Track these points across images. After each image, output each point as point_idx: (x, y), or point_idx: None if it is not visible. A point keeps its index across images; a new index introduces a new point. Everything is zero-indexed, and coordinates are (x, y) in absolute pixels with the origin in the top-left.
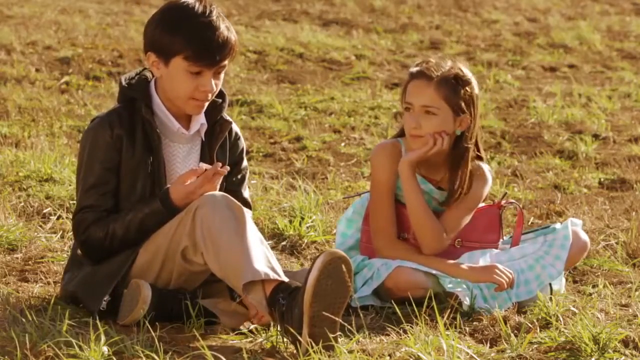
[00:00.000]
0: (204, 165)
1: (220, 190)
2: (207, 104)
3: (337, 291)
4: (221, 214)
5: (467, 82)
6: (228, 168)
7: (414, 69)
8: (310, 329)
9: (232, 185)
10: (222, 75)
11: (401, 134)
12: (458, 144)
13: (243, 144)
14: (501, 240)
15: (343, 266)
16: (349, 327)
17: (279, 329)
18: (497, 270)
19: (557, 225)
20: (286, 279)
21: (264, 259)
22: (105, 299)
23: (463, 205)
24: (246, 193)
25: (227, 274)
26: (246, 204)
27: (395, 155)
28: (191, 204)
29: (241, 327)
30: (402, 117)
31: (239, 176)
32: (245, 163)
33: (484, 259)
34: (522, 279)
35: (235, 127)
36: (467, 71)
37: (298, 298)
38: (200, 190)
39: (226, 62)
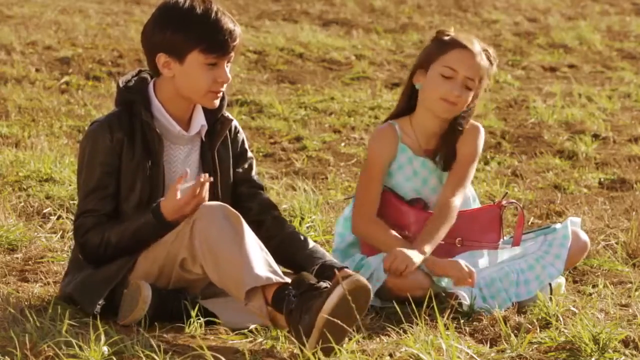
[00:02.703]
0: (187, 185)
1: (229, 181)
2: (221, 95)
3: (352, 316)
4: (218, 224)
5: (494, 61)
6: (211, 178)
7: (457, 38)
8: (318, 340)
9: (243, 175)
10: (230, 65)
11: (396, 115)
12: (459, 116)
13: (243, 135)
14: (502, 240)
15: (364, 295)
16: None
17: (285, 321)
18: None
19: (557, 226)
20: (289, 280)
21: (264, 264)
22: (100, 302)
23: (466, 161)
24: (257, 179)
25: (227, 284)
26: (260, 187)
27: (392, 138)
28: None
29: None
30: (425, 81)
31: (246, 165)
32: (249, 153)
33: (483, 258)
34: (522, 278)
35: (234, 122)
36: (490, 50)
37: (313, 310)
38: (191, 205)
39: (235, 50)
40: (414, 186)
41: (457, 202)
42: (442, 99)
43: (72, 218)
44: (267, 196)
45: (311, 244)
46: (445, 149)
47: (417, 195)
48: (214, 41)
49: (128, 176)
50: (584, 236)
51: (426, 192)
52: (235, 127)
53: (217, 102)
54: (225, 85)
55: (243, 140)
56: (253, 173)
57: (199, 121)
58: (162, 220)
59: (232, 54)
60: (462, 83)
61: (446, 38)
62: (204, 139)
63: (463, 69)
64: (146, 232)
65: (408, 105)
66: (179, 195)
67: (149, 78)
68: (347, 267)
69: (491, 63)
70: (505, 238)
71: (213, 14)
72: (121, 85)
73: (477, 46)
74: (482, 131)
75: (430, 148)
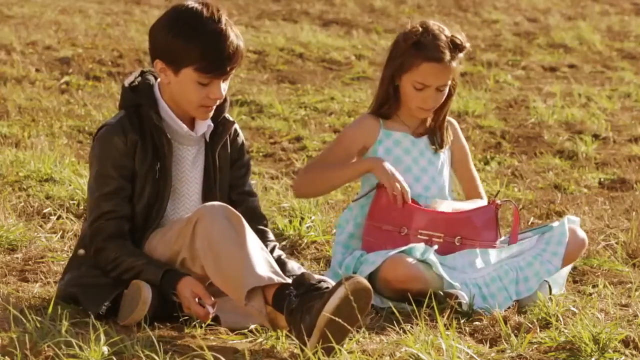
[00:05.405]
0: (210, 308)
1: (225, 185)
2: (215, 107)
3: (353, 316)
4: (220, 225)
5: (464, 48)
6: (213, 314)
7: (425, 47)
8: (318, 339)
9: (235, 180)
10: (229, 80)
11: (378, 109)
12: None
13: (242, 138)
14: (500, 239)
15: (365, 296)
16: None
17: (285, 321)
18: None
19: (555, 224)
20: (290, 281)
21: (266, 265)
22: (105, 304)
23: (465, 157)
24: (249, 186)
25: (228, 284)
26: (253, 195)
27: (371, 127)
28: (192, 216)
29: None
30: (401, 85)
31: (243, 170)
32: (246, 157)
33: (479, 258)
34: (521, 276)
35: (235, 125)
36: (460, 36)
37: (314, 310)
38: (193, 310)
39: (235, 69)
40: (406, 166)
41: (483, 193)
42: (419, 107)
43: (72, 218)
44: (257, 205)
45: (277, 254)
46: (438, 129)
47: (408, 173)
48: (211, 63)
49: (139, 179)
50: (582, 233)
51: (416, 171)
52: (235, 130)
53: (210, 114)
54: (218, 101)
55: (242, 144)
56: (247, 180)
57: (206, 121)
58: (168, 288)
59: (230, 74)
60: (434, 91)
61: (415, 50)
62: (207, 139)
63: (434, 82)
64: (148, 281)
65: (392, 99)
66: (196, 299)
67: (154, 79)
68: (309, 272)
69: (460, 50)
70: (503, 238)
71: (218, 31)
72: (126, 86)
73: (445, 51)
74: (457, 123)
75: (421, 132)
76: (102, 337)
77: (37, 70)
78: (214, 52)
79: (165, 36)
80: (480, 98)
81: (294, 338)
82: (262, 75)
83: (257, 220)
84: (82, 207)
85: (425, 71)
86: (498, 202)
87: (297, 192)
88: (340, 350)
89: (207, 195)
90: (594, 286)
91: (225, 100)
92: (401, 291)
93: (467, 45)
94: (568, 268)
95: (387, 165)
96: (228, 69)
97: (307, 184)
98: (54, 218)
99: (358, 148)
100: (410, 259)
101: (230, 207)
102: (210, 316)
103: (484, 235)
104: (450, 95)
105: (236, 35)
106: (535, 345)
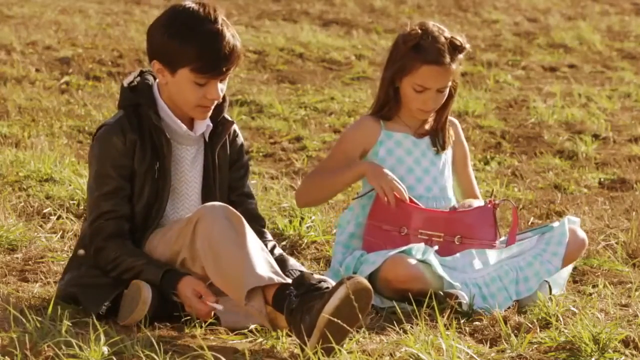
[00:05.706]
0: (215, 305)
1: (226, 183)
2: (212, 107)
3: (353, 317)
4: (220, 225)
5: (464, 49)
6: (221, 308)
7: (425, 50)
8: (318, 340)
9: (234, 182)
10: (227, 80)
11: (379, 110)
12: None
13: (241, 140)
14: (500, 239)
15: (365, 297)
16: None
17: (285, 321)
18: (390, 183)
19: (555, 224)
20: (290, 281)
21: (266, 265)
22: (105, 304)
23: (464, 160)
24: (248, 187)
25: (228, 284)
26: (249, 195)
27: (372, 129)
28: (192, 216)
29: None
30: (401, 88)
31: (242, 171)
32: (245, 158)
33: (476, 260)
34: (521, 276)
35: (235, 126)
36: (460, 37)
37: (314, 310)
38: (195, 309)
39: (232, 70)
40: (407, 167)
41: (479, 194)
42: (419, 109)
43: (72, 218)
44: (255, 207)
45: (277, 252)
46: (440, 130)
47: (410, 174)
48: (207, 63)
49: (138, 178)
50: (582, 233)
51: (418, 172)
52: (235, 131)
53: (207, 114)
54: (215, 101)
55: (242, 145)
56: (246, 182)
57: (205, 121)
58: (168, 287)
59: (227, 74)
60: (435, 93)
61: (415, 53)
62: (206, 139)
63: (434, 84)
64: (149, 281)
65: (393, 101)
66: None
67: (153, 78)
68: (309, 272)
69: (460, 52)
70: (502, 237)
71: (214, 32)
72: (125, 86)
73: (445, 54)
74: (458, 123)
75: (423, 132)
76: (102, 337)
77: (37, 70)
78: (210, 53)
79: (161, 36)
80: (480, 98)
81: (294, 338)
82: (262, 75)
83: (255, 222)
84: (82, 207)
85: (425, 74)
86: (496, 201)
87: (299, 201)
88: (340, 350)
89: (206, 195)
90: (594, 286)
91: (224, 100)
92: (401, 291)
93: (467, 46)
94: (569, 269)
95: (379, 169)
96: (224, 69)
97: (307, 193)
98: (54, 218)
99: (359, 150)
100: (410, 259)
101: (230, 207)
102: (214, 312)
103: (483, 235)
104: (451, 96)
105: (233, 36)
106: (535, 345)
